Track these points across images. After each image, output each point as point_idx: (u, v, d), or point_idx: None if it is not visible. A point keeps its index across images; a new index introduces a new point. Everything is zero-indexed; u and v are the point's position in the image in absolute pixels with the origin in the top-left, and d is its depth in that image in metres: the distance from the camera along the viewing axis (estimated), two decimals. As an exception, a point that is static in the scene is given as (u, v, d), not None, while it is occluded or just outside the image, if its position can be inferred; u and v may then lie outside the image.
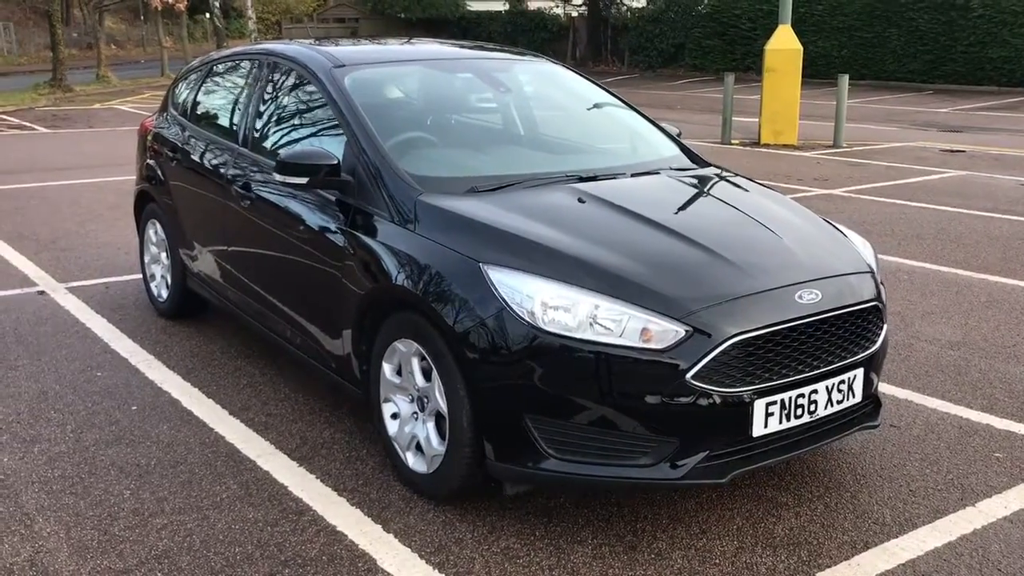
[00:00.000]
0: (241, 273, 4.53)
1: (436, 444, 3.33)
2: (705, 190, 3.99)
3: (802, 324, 3.12)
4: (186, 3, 28.83)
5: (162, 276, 5.56)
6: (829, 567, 3.01)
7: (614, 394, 2.96)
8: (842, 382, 3.25)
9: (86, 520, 3.30)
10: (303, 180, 3.74)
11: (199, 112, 5.22)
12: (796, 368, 3.11)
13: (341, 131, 3.97)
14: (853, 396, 3.32)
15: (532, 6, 38.28)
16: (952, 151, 13.52)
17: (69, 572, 2.99)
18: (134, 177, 6.05)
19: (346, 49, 4.58)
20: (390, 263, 3.44)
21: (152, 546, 3.13)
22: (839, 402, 3.26)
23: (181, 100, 5.43)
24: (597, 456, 3.01)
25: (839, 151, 13.48)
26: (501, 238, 3.27)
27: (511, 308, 3.03)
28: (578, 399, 2.98)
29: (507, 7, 37.91)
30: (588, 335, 2.96)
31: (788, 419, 3.11)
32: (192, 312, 5.50)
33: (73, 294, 6.11)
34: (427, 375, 3.35)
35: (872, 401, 3.50)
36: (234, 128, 4.66)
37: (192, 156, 4.97)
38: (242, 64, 4.97)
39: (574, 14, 36.42)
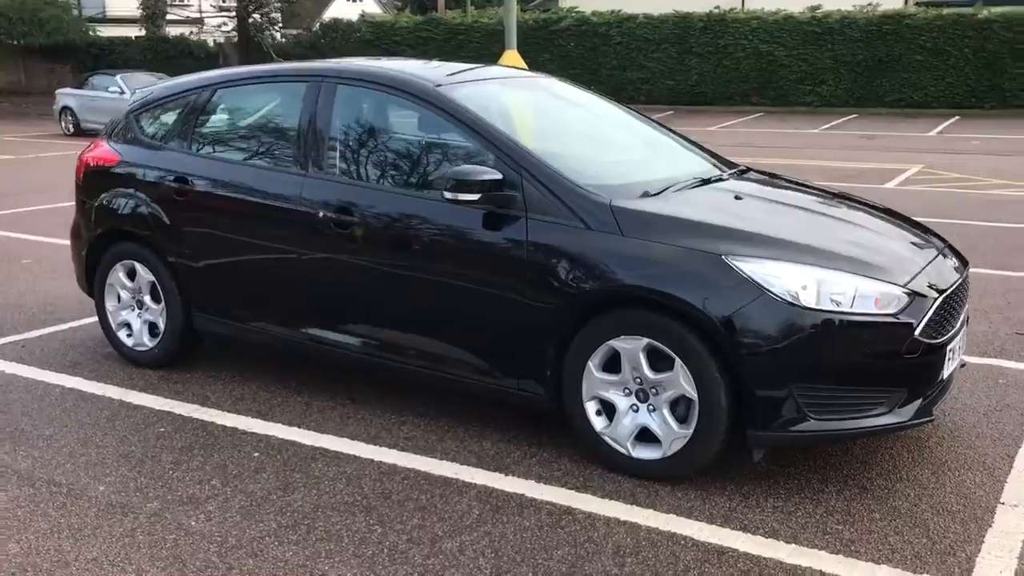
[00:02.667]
0: (330, 307, 4.36)
1: (677, 428, 3.61)
2: (794, 185, 4.63)
3: (960, 284, 3.86)
4: None
5: (145, 322, 5.06)
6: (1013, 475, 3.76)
7: (863, 356, 3.48)
8: (964, 333, 4.03)
9: (377, 560, 3.17)
10: (475, 197, 3.81)
11: (219, 140, 4.85)
12: (954, 322, 3.83)
13: (464, 147, 4.09)
14: (964, 345, 4.12)
15: (173, 32, 36.55)
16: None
17: (433, 603, 2.91)
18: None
19: (424, 68, 4.60)
20: (605, 266, 3.66)
21: (478, 567, 3.11)
22: (961, 349, 4.04)
23: (171, 128, 4.97)
24: (845, 412, 3.51)
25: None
26: (720, 232, 3.65)
27: (770, 292, 3.43)
28: (833, 364, 3.46)
29: (143, 33, 35.80)
30: (836, 307, 3.45)
31: (952, 364, 3.82)
32: (184, 357, 5.08)
33: (-6, 356, 5.32)
34: (655, 366, 3.62)
35: None
36: (299, 155, 4.43)
37: (222, 190, 4.62)
38: (284, 86, 4.73)
39: (210, 41, 35.30)
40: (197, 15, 39.56)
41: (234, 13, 33.63)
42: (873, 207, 4.48)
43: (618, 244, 3.67)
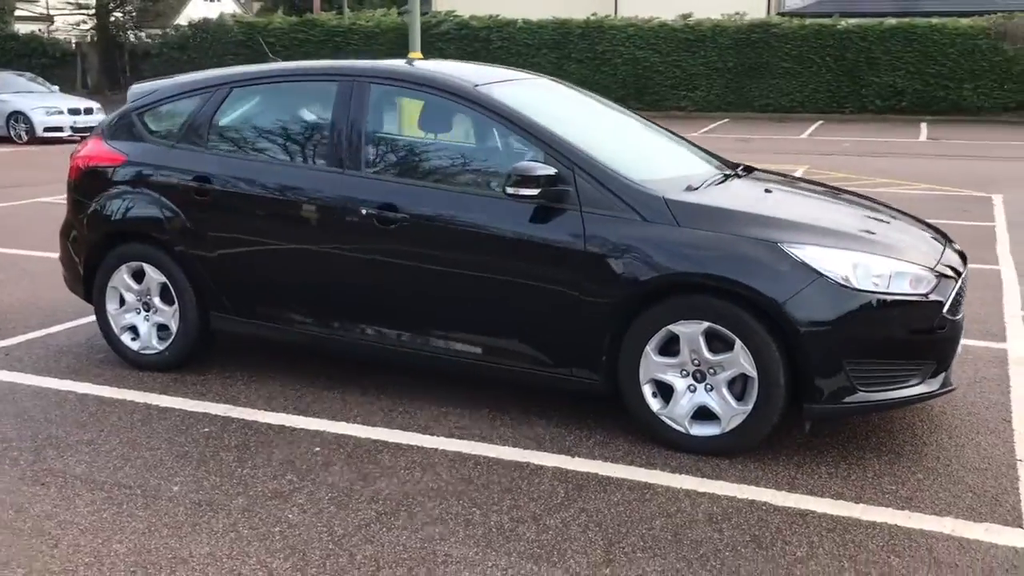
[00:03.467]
0: (374, 303, 4.42)
1: (736, 405, 3.87)
2: (802, 181, 4.99)
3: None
4: None
5: (153, 325, 4.96)
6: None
7: (905, 331, 3.84)
8: None
9: (491, 539, 3.30)
10: (535, 191, 3.98)
11: (241, 139, 4.81)
12: (963, 302, 4.25)
13: (510, 145, 4.27)
14: None
15: (22, 29, 34.63)
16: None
17: None
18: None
19: (457, 68, 4.71)
20: (664, 255, 3.88)
21: (589, 539, 3.29)
22: None
23: (184, 127, 4.86)
24: (888, 383, 3.86)
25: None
26: (768, 222, 3.95)
27: (826, 276, 3.74)
28: (881, 340, 3.81)
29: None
30: (881, 288, 3.80)
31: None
32: (193, 358, 5.01)
33: (-19, 366, 5.10)
34: (712, 348, 3.87)
35: None
36: (334, 154, 4.46)
37: (249, 190, 4.58)
38: (309, 85, 4.75)
39: (64, 39, 33.66)
40: (46, 12, 37.63)
41: (93, 11, 32.19)
42: (875, 200, 4.88)
43: (676, 234, 3.91)
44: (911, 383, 3.90)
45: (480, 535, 3.32)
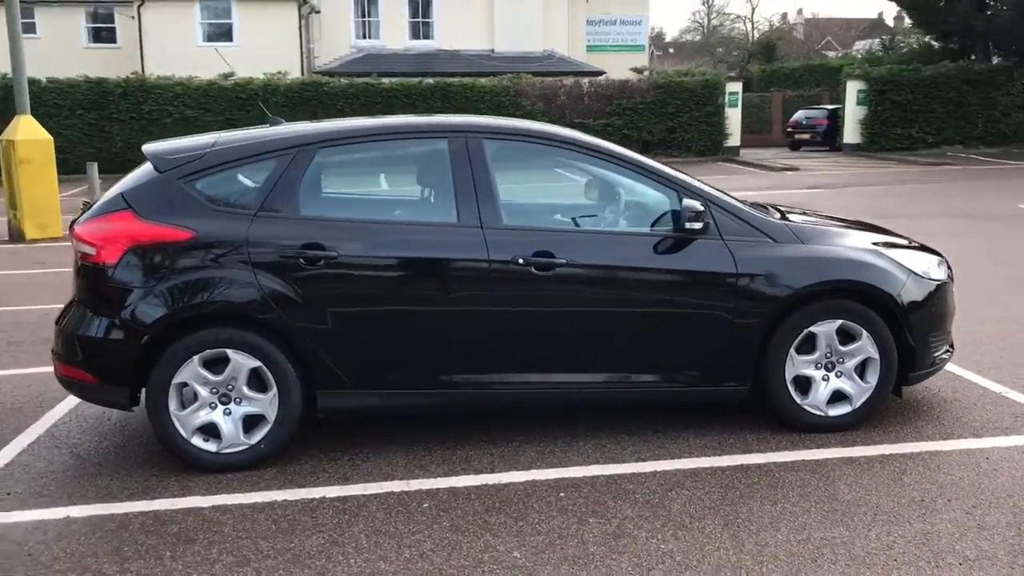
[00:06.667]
0: (532, 349, 4.51)
1: (863, 385, 4.77)
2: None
3: None
4: None
5: (239, 418, 4.37)
6: (970, 380, 5.67)
7: (948, 307, 5.06)
8: None
9: (812, 520, 3.80)
10: (700, 225, 4.50)
11: (348, 203, 4.46)
12: None
13: (635, 187, 4.75)
14: None
15: None
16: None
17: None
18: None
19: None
20: (802, 269, 4.64)
21: (878, 505, 3.94)
22: None
23: (263, 194, 4.30)
24: (940, 348, 5.04)
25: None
26: (853, 236, 4.94)
27: (915, 273, 4.83)
28: (941, 316, 4.99)
29: None
30: (935, 276, 4.98)
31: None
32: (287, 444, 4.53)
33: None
34: (841, 341, 4.73)
35: None
36: (466, 210, 4.41)
37: (376, 255, 4.36)
38: (412, 143, 4.58)
39: None
40: None
41: None
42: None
43: (806, 251, 4.71)
44: (945, 348, 5.14)
45: (803, 513, 3.82)
